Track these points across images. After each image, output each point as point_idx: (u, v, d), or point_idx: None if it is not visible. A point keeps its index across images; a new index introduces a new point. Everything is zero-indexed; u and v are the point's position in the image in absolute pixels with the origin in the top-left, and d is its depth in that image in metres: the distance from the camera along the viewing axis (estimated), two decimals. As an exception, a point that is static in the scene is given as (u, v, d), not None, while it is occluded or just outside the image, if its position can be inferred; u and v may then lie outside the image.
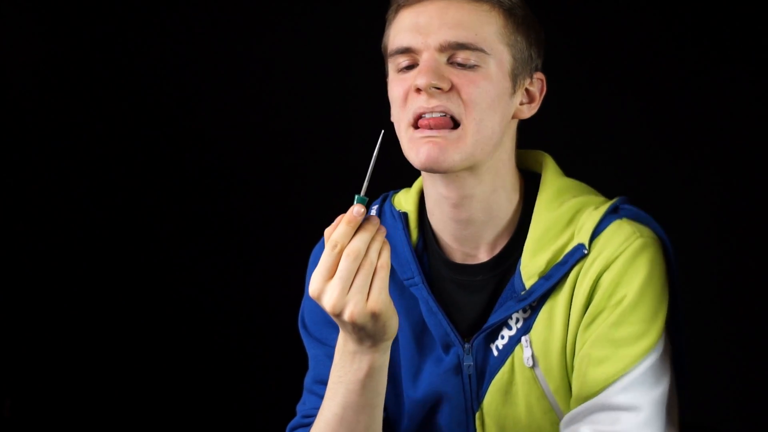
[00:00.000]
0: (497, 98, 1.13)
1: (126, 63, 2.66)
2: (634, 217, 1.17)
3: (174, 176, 2.72)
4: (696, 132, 2.36)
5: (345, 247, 0.98)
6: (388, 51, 1.18)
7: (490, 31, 1.12)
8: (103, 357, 2.72)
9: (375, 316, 0.99)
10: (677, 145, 2.37)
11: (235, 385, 2.75)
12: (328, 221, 1.33)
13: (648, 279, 1.12)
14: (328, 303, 0.98)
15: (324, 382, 1.23)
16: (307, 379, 1.30)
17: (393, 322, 1.03)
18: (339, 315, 0.98)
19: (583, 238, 1.14)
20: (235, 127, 2.69)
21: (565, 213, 1.18)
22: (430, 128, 1.10)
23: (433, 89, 1.09)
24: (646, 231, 1.15)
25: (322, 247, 1.28)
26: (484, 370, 1.19)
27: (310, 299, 1.30)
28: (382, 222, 1.27)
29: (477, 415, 1.21)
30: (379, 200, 1.33)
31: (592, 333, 1.12)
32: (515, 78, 1.16)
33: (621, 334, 1.10)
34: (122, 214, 2.73)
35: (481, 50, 1.11)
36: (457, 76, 1.10)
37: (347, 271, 0.97)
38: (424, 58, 1.11)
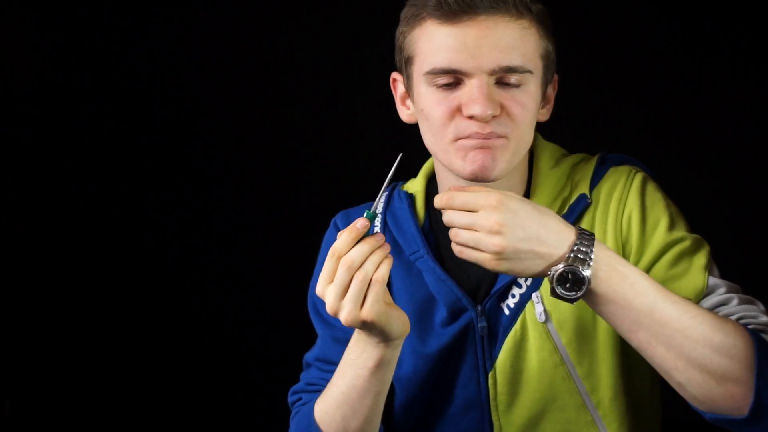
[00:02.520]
0: (536, 111, 1.17)
1: (131, 62, 2.66)
2: (620, 162, 1.26)
3: (175, 177, 2.72)
4: (697, 132, 2.37)
5: (342, 256, 1.02)
6: (426, 68, 1.14)
7: (532, 48, 1.13)
8: (103, 357, 2.72)
9: (368, 325, 1.04)
10: (679, 145, 2.38)
11: (234, 386, 2.76)
12: (330, 221, 1.36)
13: (665, 200, 1.20)
14: (327, 305, 1.04)
15: (326, 361, 1.29)
16: (310, 355, 1.35)
17: (395, 326, 1.06)
18: (336, 316, 1.04)
19: (584, 188, 1.22)
20: (237, 127, 2.70)
21: (562, 170, 1.25)
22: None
23: (489, 114, 1.10)
24: (635, 168, 1.24)
25: (334, 231, 1.35)
26: (497, 330, 1.22)
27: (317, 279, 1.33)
28: (390, 205, 1.32)
29: (490, 374, 1.23)
30: (389, 188, 1.36)
31: (649, 263, 1.17)
32: (545, 87, 1.19)
33: (682, 248, 1.15)
34: (122, 215, 2.73)
35: (529, 72, 1.12)
36: (504, 97, 1.11)
37: (341, 279, 1.02)
38: (476, 85, 1.10)
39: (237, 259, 2.74)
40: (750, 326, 1.05)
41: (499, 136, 1.12)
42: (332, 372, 1.22)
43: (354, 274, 1.01)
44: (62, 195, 2.68)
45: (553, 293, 1.02)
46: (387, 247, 1.04)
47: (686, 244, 1.15)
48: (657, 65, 2.40)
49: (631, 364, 1.22)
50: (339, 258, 1.02)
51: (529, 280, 1.20)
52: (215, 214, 2.75)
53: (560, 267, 1.01)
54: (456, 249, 1.05)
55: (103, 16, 2.64)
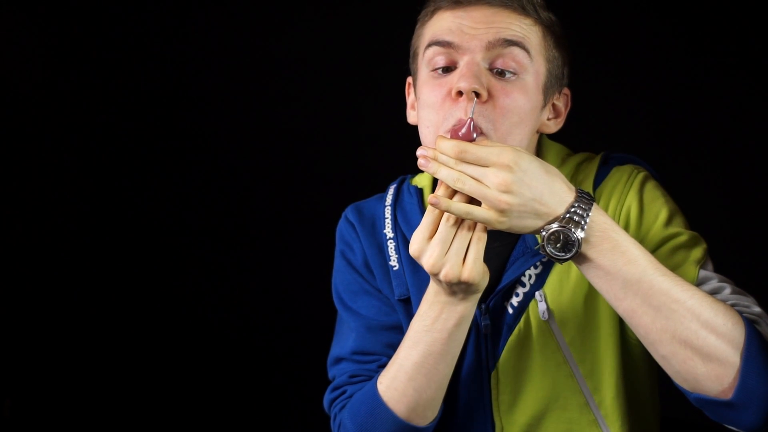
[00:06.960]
0: (529, 112, 1.15)
1: (137, 63, 2.67)
2: (623, 162, 1.27)
3: (180, 177, 2.72)
4: (698, 131, 2.38)
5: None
6: (424, 44, 1.18)
7: (533, 42, 1.15)
8: (103, 357, 2.71)
9: (468, 279, 1.04)
10: (680, 144, 2.39)
11: (234, 386, 2.75)
12: (336, 219, 1.37)
13: (665, 197, 1.21)
14: (427, 262, 1.04)
15: (363, 353, 1.27)
16: (342, 350, 1.32)
17: (486, 278, 1.07)
18: (436, 274, 1.04)
19: (587, 187, 1.22)
20: (245, 124, 2.70)
21: (567, 169, 1.25)
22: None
23: (473, 94, 1.09)
24: (638, 168, 1.25)
25: (346, 224, 1.34)
26: (501, 328, 1.22)
27: (340, 273, 1.34)
28: (399, 198, 1.32)
29: (492, 374, 1.23)
30: (397, 181, 1.36)
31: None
32: (546, 93, 1.18)
33: (677, 242, 1.16)
34: (124, 215, 2.72)
35: (527, 51, 1.13)
36: (494, 86, 1.12)
37: (446, 233, 1.02)
38: (466, 61, 1.12)
39: (248, 254, 2.74)
40: (743, 314, 1.04)
41: (480, 132, 1.09)
42: (371, 363, 1.24)
43: (458, 229, 1.03)
44: (63, 194, 2.68)
45: (543, 251, 1.02)
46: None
47: (683, 238, 1.15)
48: (658, 64, 2.41)
49: (632, 364, 1.22)
50: (442, 212, 1.03)
51: (533, 279, 1.20)
52: (224, 211, 2.74)
53: (554, 226, 1.01)
54: (456, 198, 1.03)
55: (112, 12, 2.64)
